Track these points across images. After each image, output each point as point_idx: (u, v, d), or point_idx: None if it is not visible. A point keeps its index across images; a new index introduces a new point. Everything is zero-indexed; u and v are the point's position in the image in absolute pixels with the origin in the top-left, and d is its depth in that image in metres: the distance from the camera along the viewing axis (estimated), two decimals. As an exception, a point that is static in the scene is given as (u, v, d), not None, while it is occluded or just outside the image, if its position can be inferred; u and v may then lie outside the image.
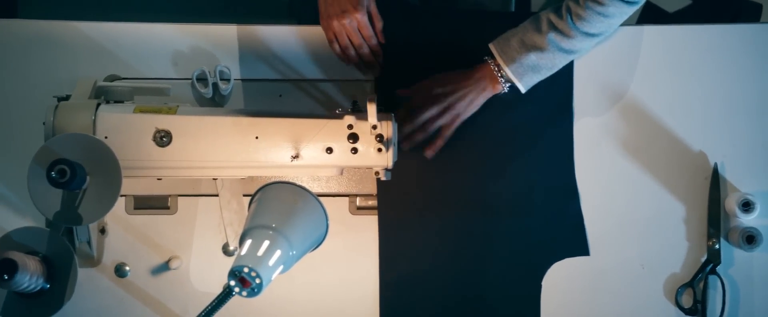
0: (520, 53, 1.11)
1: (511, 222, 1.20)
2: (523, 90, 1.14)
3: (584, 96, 1.23)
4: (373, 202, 1.21)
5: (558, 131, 1.22)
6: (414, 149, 1.17)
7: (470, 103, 1.15)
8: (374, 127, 1.01)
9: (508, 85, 1.14)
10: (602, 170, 1.23)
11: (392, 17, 1.20)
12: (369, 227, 1.21)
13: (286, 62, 1.23)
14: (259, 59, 1.23)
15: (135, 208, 1.21)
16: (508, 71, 1.12)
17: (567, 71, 1.21)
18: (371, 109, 0.99)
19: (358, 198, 1.22)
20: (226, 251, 1.20)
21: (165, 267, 1.19)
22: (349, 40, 1.15)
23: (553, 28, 1.10)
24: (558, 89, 1.21)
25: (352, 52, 1.16)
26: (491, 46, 1.14)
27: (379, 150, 1.03)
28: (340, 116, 1.03)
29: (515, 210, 1.20)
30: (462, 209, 1.20)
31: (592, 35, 1.10)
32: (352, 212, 1.22)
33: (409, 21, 1.24)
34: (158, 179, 1.12)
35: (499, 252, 1.20)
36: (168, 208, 1.21)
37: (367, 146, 1.03)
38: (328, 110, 1.18)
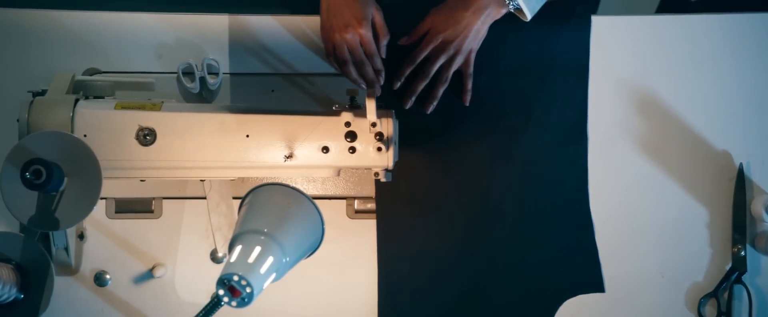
0: None
1: (521, 253, 1.21)
2: (528, 17, 1.13)
3: (600, 92, 1.23)
4: (371, 205, 1.22)
5: (572, 158, 1.22)
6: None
7: (476, 35, 1.14)
8: (374, 124, 1.01)
9: (513, 5, 1.12)
10: (619, 171, 1.23)
11: (395, 15, 1.19)
12: (367, 231, 1.21)
13: (279, 55, 1.23)
14: (250, 52, 1.23)
15: (116, 212, 1.21)
16: None
17: (581, 96, 1.22)
18: (370, 105, 0.99)
19: (356, 201, 1.22)
20: (214, 258, 1.20)
21: (148, 275, 1.19)
22: (351, 55, 1.14)
23: None
24: (572, 114, 1.22)
25: (350, 68, 1.14)
26: None
27: (379, 149, 1.03)
28: (336, 113, 1.04)
29: (525, 240, 1.21)
30: (467, 234, 1.21)
31: None
32: (349, 216, 1.22)
33: (414, 19, 1.23)
34: (141, 180, 1.12)
35: (506, 281, 1.21)
36: (152, 212, 1.21)
37: (365, 145, 1.03)
38: (324, 107, 1.18)
